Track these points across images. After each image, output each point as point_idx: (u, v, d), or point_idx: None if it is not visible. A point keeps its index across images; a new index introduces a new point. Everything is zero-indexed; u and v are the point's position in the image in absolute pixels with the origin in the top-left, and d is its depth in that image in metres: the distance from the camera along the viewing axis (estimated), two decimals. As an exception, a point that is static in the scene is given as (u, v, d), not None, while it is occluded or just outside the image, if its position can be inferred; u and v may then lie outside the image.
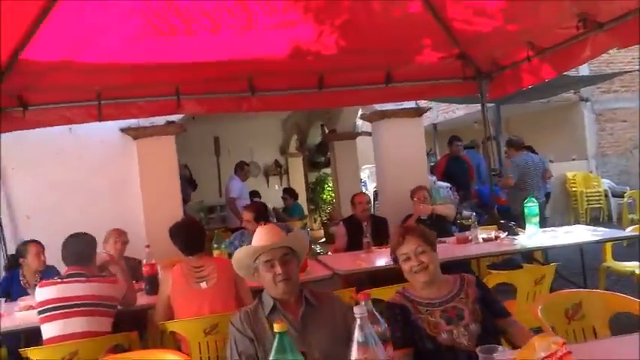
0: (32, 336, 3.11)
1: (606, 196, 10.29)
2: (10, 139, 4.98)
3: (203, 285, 2.93)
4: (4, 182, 5.11)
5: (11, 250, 4.97)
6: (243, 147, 11.33)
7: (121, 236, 4.14)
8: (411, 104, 6.16)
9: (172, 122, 5.42)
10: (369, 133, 9.48)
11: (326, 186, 11.17)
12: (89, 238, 3.07)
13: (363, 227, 4.71)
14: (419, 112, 6.18)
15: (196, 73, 4.70)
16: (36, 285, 3.83)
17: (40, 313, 2.75)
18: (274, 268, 1.99)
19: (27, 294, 3.84)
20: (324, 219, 10.69)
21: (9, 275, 3.95)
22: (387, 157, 6.07)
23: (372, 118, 6.25)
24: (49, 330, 2.70)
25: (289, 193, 8.15)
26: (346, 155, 8.76)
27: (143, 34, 4.09)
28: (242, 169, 7.28)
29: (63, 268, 4.07)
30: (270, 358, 1.23)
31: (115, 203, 5.38)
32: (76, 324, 2.69)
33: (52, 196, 5.24)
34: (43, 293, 2.76)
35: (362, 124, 9.64)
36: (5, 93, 4.50)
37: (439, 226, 4.74)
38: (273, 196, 10.56)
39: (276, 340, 1.22)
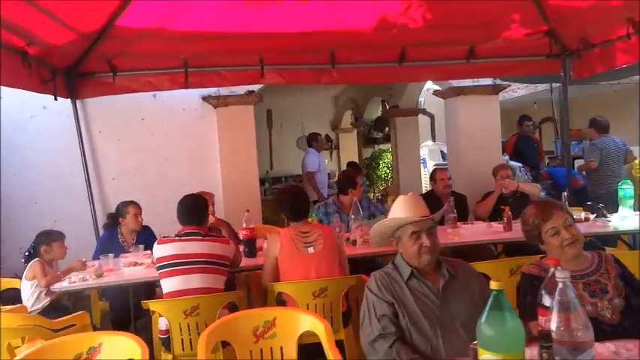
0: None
1: (673, 183, 9.87)
2: (99, 103, 5.20)
3: (310, 250, 3.00)
4: (91, 145, 5.30)
5: (99, 209, 5.20)
6: (294, 121, 11.43)
7: (211, 198, 4.24)
8: (487, 81, 6.04)
9: (252, 92, 5.48)
10: (423, 111, 9.40)
11: (381, 162, 11.11)
12: (203, 199, 3.16)
13: (443, 203, 4.71)
14: (496, 89, 6.06)
15: (280, 43, 4.74)
16: (133, 243, 4.05)
17: (159, 268, 2.86)
18: (421, 239, 2.03)
19: (125, 252, 4.01)
20: (377, 195, 10.67)
21: (108, 233, 4.12)
22: (462, 134, 5.99)
23: (447, 94, 6.16)
24: (169, 284, 2.81)
25: (353, 166, 8.14)
26: (407, 132, 8.67)
27: (235, 2, 4.14)
28: (316, 141, 7.22)
29: (157, 228, 4.32)
30: (484, 315, 1.25)
31: (193, 168, 5.52)
32: (195, 280, 2.80)
33: (135, 159, 5.43)
34: (163, 250, 2.88)
35: (423, 101, 9.53)
36: (98, 58, 4.67)
37: (521, 205, 4.69)
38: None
39: (491, 299, 1.24)
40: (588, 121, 6.83)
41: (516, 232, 3.88)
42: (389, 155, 10.61)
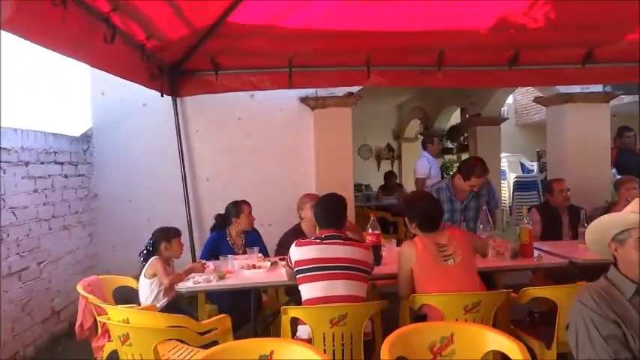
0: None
1: None
2: (196, 102, 5.13)
3: (450, 262, 2.75)
4: (188, 144, 5.23)
5: (194, 210, 5.11)
6: (355, 129, 11.17)
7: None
8: (597, 88, 5.66)
9: (351, 94, 5.30)
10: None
11: (451, 173, 10.74)
12: (344, 200, 2.96)
13: (561, 215, 4.39)
14: (607, 97, 5.66)
15: (386, 42, 4.52)
16: (242, 245, 3.91)
17: (299, 272, 2.68)
18: (653, 247, 1.74)
19: (234, 254, 3.87)
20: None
21: (216, 235, 3.99)
22: (568, 145, 5.62)
23: (552, 101, 5.80)
24: (311, 290, 2.62)
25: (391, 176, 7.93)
26: (489, 141, 8.32)
27: (353, 1, 3.97)
28: (432, 143, 6.60)
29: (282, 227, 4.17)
30: None
31: (287, 170, 5.39)
32: (340, 286, 2.60)
33: (230, 160, 5.34)
34: (303, 252, 2.69)
35: (505, 111, 9.14)
36: (202, 56, 4.59)
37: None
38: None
39: None
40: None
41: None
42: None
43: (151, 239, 3.40)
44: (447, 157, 10.95)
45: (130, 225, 5.18)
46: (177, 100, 5.05)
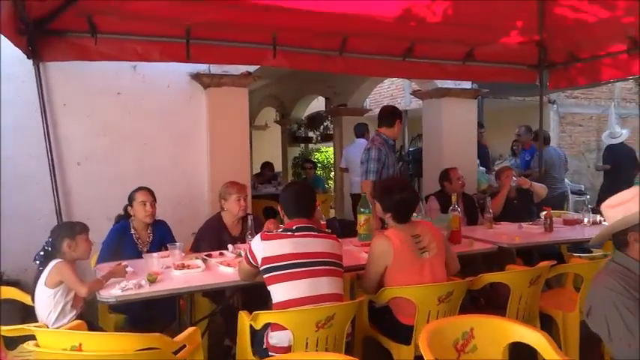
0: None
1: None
2: (65, 69, 4.28)
3: (425, 255, 2.67)
4: (53, 120, 4.30)
5: (63, 202, 4.26)
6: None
7: (244, 192, 3.65)
8: (467, 85, 6.16)
9: (249, 73, 4.91)
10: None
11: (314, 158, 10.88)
12: (311, 187, 2.65)
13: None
14: (476, 93, 6.19)
15: (293, 21, 4.30)
16: (149, 241, 3.35)
17: (270, 270, 2.32)
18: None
19: (137, 250, 3.30)
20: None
21: (119, 228, 3.34)
22: (443, 136, 6.00)
23: (430, 94, 6.14)
24: (290, 290, 2.28)
25: (313, 163, 7.80)
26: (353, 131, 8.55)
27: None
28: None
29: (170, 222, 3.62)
30: None
31: (176, 156, 4.79)
32: (324, 284, 2.32)
33: (106, 141, 4.55)
34: (274, 247, 2.34)
35: (368, 102, 9.51)
36: (77, 14, 3.82)
37: (525, 205, 4.83)
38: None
39: None
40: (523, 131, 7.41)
41: (556, 232, 3.99)
42: (323, 155, 10.41)
43: (49, 238, 2.67)
44: (309, 145, 11.01)
45: (-28, 222, 4.09)
46: (40, 65, 4.11)
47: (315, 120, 10.49)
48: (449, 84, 5.97)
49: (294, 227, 2.43)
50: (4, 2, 3.00)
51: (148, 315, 3.08)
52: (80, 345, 1.74)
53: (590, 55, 5.15)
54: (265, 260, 2.34)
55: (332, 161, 11.40)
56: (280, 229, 2.48)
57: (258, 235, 2.42)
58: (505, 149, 9.56)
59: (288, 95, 10.91)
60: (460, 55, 5.21)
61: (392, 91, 13.78)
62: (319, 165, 10.90)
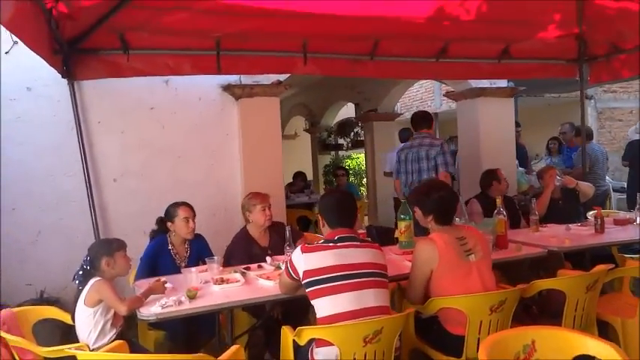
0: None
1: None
2: (98, 87, 4.32)
3: (472, 258, 2.54)
4: (88, 138, 4.34)
5: (100, 218, 4.28)
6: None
7: (267, 201, 3.59)
8: (503, 83, 5.97)
9: (280, 82, 4.86)
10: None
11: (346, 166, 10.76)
12: (352, 195, 2.57)
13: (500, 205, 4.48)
14: (512, 92, 6.00)
15: (322, 27, 4.23)
16: (187, 256, 3.31)
17: (314, 283, 2.23)
18: None
19: (176, 266, 3.26)
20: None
21: (157, 243, 3.31)
22: (481, 137, 5.82)
23: (464, 95, 5.98)
24: (335, 303, 2.18)
25: (345, 170, 7.72)
26: (386, 136, 8.44)
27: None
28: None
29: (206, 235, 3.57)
30: None
31: (209, 168, 4.77)
32: (370, 297, 2.22)
33: (141, 156, 4.56)
34: (317, 260, 2.25)
35: (399, 106, 9.38)
36: (108, 31, 3.85)
37: (571, 206, 4.62)
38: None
39: None
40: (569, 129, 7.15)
41: (608, 234, 3.77)
42: (354, 162, 10.31)
43: (87, 256, 2.65)
44: (340, 152, 10.93)
45: (12, 241, 4.14)
46: (75, 84, 4.16)
47: (345, 127, 10.40)
48: (484, 83, 5.80)
49: (335, 237, 2.34)
50: (39, 23, 3.04)
51: (188, 331, 3.04)
52: (123, 368, 1.68)
53: (635, 46, 4.91)
54: (307, 273, 2.25)
55: (363, 167, 11.28)
56: (322, 240, 2.38)
57: (299, 248, 2.33)
58: (540, 148, 9.27)
59: (317, 103, 10.86)
60: (495, 52, 5.05)
61: (421, 94, 13.62)
62: (351, 172, 10.79)
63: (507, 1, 4.23)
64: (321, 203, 2.57)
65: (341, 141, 10.53)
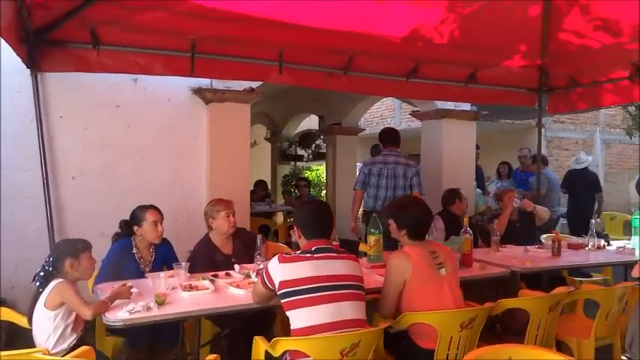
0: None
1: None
2: (63, 80, 4.15)
3: (443, 272, 2.59)
4: (49, 133, 4.14)
5: (56, 217, 4.08)
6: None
7: (232, 207, 3.53)
8: (466, 106, 6.16)
9: (252, 89, 4.82)
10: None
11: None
12: (328, 205, 2.56)
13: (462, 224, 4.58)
14: (476, 115, 6.20)
15: (299, 38, 4.24)
16: (151, 261, 3.22)
17: (291, 294, 2.19)
18: None
19: (140, 271, 3.15)
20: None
21: (120, 247, 3.18)
22: (443, 157, 5.97)
23: (430, 115, 6.12)
24: (311, 315, 2.16)
25: (307, 181, 7.70)
26: (348, 150, 8.53)
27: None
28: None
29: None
30: None
31: (174, 170, 4.65)
32: (347, 309, 2.21)
33: (104, 155, 4.39)
34: (291, 270, 2.22)
35: (362, 122, 9.49)
36: (79, 25, 3.72)
37: (527, 229, 4.78)
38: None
39: None
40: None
41: (564, 257, 3.93)
42: (314, 174, 10.32)
43: (49, 257, 2.52)
44: (299, 164, 10.92)
45: (-42, 237, 3.90)
46: (38, 76, 3.98)
47: (307, 138, 10.42)
48: (449, 105, 5.97)
49: (312, 249, 2.32)
50: (8, 10, 2.89)
51: (151, 338, 2.93)
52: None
53: (592, 81, 5.19)
54: (283, 284, 2.22)
55: (323, 180, 11.32)
56: (299, 251, 2.36)
57: (276, 258, 2.30)
58: (491, 171, 9.61)
59: (280, 113, 10.84)
60: (463, 76, 5.21)
61: (382, 111, 13.85)
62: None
63: (478, 28, 4.39)
64: (297, 214, 2.56)
65: (302, 152, 10.53)
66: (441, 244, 2.86)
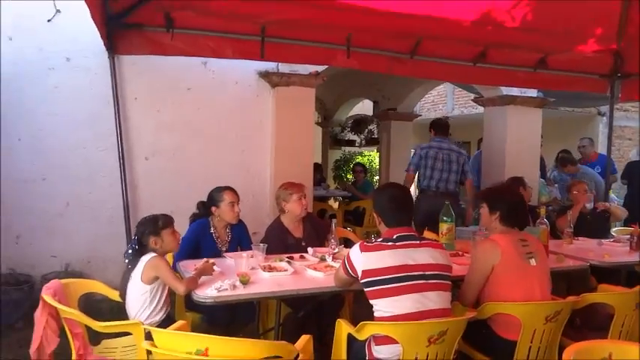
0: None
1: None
2: (138, 63, 4.26)
3: (532, 262, 2.54)
4: (124, 114, 4.27)
5: (130, 195, 4.22)
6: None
7: (303, 190, 3.55)
8: (533, 93, 5.96)
9: (318, 73, 4.82)
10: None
11: (352, 165, 10.72)
12: (409, 190, 2.54)
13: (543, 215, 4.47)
14: (542, 102, 6.00)
15: (367, 22, 4.18)
16: (228, 241, 3.28)
17: (371, 284, 2.20)
18: None
19: (217, 250, 3.23)
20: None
21: (198, 227, 3.27)
22: (507, 144, 5.82)
23: (494, 102, 5.97)
24: (396, 305, 2.16)
25: (363, 166, 7.70)
26: (403, 136, 8.44)
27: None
28: None
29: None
30: None
31: (241, 152, 4.75)
32: (433, 299, 2.19)
33: (174, 136, 4.51)
34: (373, 260, 2.21)
35: (418, 107, 9.36)
36: (155, 9, 3.79)
37: (600, 224, 4.62)
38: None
39: None
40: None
41: (642, 251, 3.78)
42: (365, 159, 10.26)
43: (135, 236, 2.61)
44: (350, 149, 10.88)
45: (41, 211, 4.10)
46: (115, 58, 4.09)
47: (360, 123, 10.34)
48: (515, 91, 5.79)
49: (394, 236, 2.31)
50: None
51: (228, 315, 3.01)
52: (207, 349, 1.65)
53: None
54: (366, 273, 2.22)
55: (375, 165, 11.25)
56: (380, 239, 2.35)
57: (357, 246, 2.30)
58: (549, 161, 9.33)
59: (332, 97, 10.79)
60: (532, 62, 5.03)
61: (433, 97, 13.58)
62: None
63: (553, 12, 4.22)
64: (377, 200, 2.50)
65: (354, 137, 10.47)
66: (532, 235, 2.79)
